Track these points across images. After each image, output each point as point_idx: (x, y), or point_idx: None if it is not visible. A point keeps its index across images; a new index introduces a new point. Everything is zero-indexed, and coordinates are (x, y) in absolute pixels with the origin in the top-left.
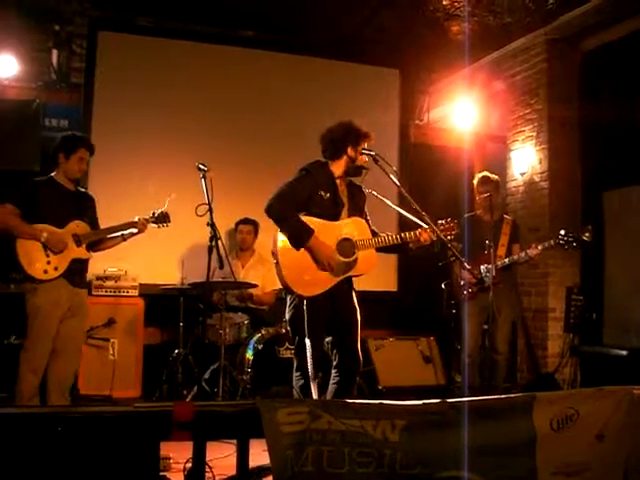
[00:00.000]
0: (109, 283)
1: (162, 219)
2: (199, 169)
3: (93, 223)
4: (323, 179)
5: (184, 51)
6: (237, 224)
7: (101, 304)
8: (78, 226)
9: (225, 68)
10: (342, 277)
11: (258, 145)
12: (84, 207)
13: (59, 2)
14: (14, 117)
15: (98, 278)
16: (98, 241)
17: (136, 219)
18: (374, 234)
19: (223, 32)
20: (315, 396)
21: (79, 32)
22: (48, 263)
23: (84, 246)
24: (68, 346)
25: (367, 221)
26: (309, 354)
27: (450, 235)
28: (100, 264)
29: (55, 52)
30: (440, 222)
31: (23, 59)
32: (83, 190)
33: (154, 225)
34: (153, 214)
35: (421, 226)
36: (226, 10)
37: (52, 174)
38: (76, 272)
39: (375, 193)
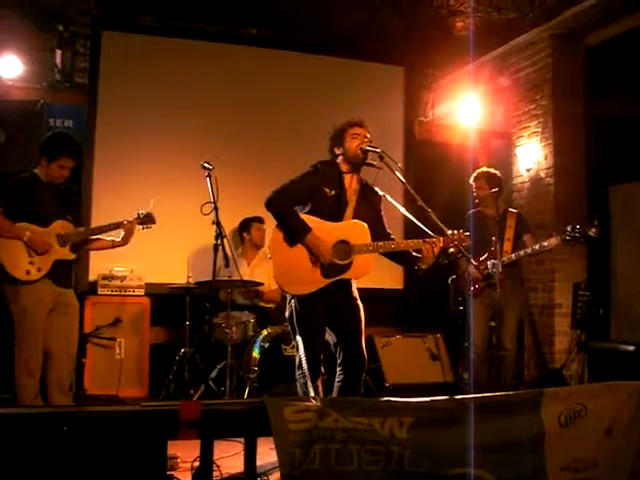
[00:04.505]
0: (115, 283)
1: (147, 220)
2: (204, 168)
3: (77, 218)
4: (330, 176)
5: (188, 50)
6: (251, 222)
7: (107, 304)
8: (62, 226)
9: (229, 66)
10: (334, 279)
11: (262, 143)
12: (68, 204)
13: (62, 2)
14: (19, 118)
15: (104, 278)
16: (83, 241)
17: (124, 221)
18: (387, 237)
19: (227, 30)
20: (312, 393)
21: (83, 32)
22: (31, 264)
23: (68, 247)
24: (61, 345)
25: (382, 224)
26: (301, 352)
27: (460, 246)
28: (106, 264)
29: (59, 52)
30: (450, 232)
31: (27, 60)
32: (67, 185)
33: (139, 226)
34: (138, 215)
35: (429, 236)
36: (230, 8)
37: (35, 170)
38: (61, 272)
39: (388, 197)
